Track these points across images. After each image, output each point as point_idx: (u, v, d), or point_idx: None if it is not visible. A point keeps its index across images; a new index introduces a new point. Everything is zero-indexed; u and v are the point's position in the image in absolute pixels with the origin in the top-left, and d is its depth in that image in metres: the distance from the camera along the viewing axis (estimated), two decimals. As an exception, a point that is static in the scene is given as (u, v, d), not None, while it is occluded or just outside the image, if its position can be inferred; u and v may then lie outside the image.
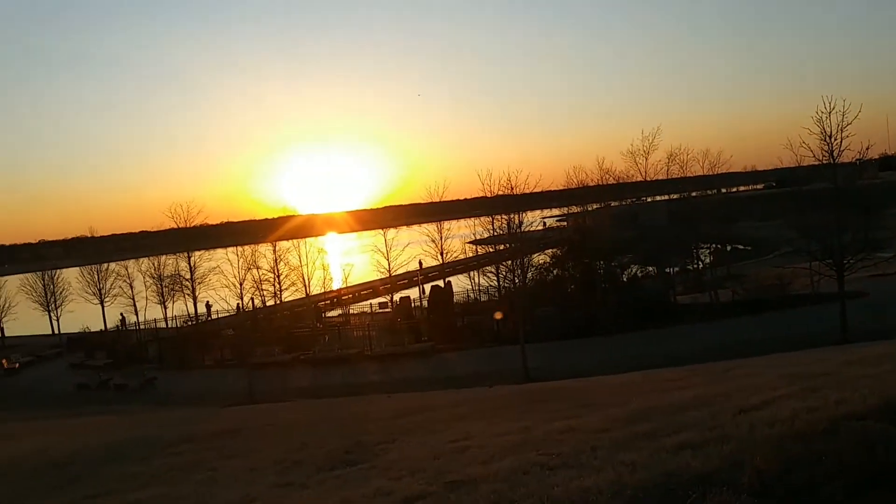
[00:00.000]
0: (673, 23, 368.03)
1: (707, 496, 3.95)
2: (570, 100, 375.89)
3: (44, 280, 62.69)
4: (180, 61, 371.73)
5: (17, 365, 46.60)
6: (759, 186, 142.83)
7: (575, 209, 60.16)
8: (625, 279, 41.49)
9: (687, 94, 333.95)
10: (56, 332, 60.21)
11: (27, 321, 62.08)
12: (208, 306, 51.70)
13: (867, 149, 28.32)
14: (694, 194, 55.64)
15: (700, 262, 50.84)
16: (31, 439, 16.92)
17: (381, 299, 54.59)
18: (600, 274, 39.32)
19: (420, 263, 56.72)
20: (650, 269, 45.53)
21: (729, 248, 66.28)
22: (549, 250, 46.39)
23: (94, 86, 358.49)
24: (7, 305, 60.50)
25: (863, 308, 28.06)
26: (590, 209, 57.75)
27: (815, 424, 4.91)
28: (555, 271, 40.47)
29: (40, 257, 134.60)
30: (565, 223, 72.14)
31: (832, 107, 25.84)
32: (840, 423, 4.86)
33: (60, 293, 62.75)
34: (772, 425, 5.12)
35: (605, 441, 6.12)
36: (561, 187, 62.20)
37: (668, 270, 45.00)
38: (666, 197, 61.91)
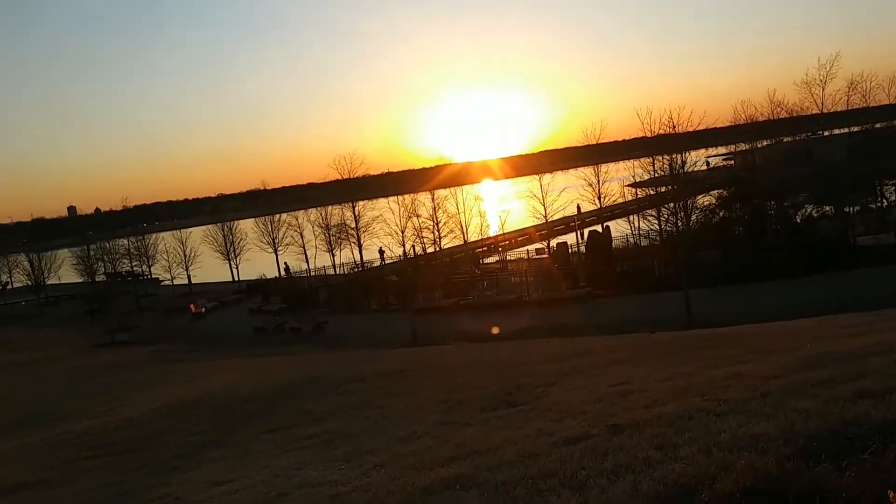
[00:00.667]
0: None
1: (889, 447, 3.71)
2: (736, 28, 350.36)
3: (223, 231, 67.65)
4: (334, 19, 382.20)
5: (204, 310, 51.07)
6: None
7: (743, 147, 56.63)
8: (798, 220, 38.82)
9: (871, 12, 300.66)
10: (236, 279, 65.09)
11: (210, 269, 67.45)
12: (381, 252, 53.63)
13: None
14: (878, 126, 50.68)
15: (884, 200, 46.48)
16: (219, 377, 18.62)
17: (538, 245, 54.45)
18: (771, 215, 37.02)
19: (578, 208, 55.89)
20: (827, 208, 42.15)
21: (919, 183, 60.07)
22: (715, 191, 44.12)
23: (259, 49, 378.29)
24: (192, 255, 66.00)
25: None
26: (759, 146, 54.20)
27: None
28: (721, 213, 38.57)
29: (219, 210, 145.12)
30: (732, 162, 68.16)
31: None
32: None
33: (238, 243, 67.51)
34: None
35: (776, 387, 5.85)
36: (727, 124, 58.54)
37: (847, 210, 41.49)
38: (846, 130, 56.76)
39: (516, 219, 66.42)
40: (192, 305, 52.25)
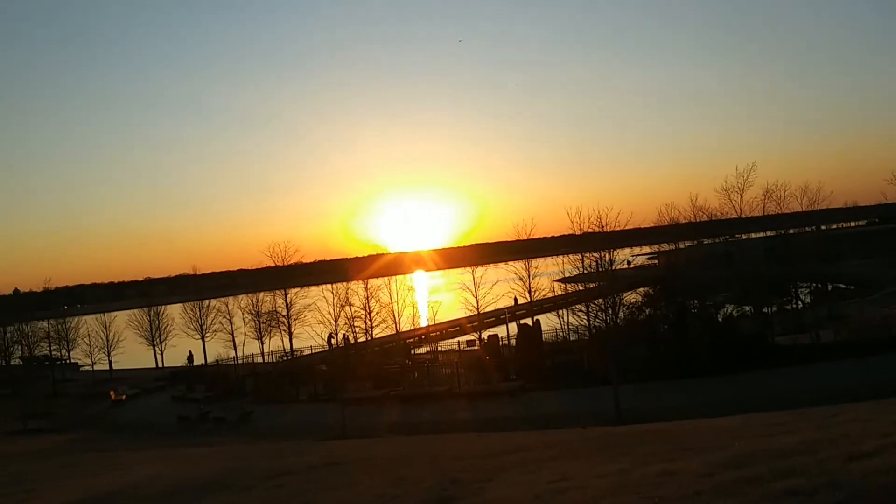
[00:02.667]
0: (770, 56, 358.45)
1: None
2: (662, 135, 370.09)
3: (150, 316, 65.96)
4: (278, 109, 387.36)
5: (124, 397, 49.05)
6: (861, 223, 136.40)
7: (666, 247, 59.15)
8: (720, 319, 40.30)
9: (784, 128, 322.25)
10: (160, 365, 63.03)
11: (134, 355, 65.30)
12: (330, 337, 51.55)
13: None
14: (792, 231, 53.77)
15: (799, 302, 48.86)
16: (139, 468, 17.76)
17: (469, 336, 54.78)
18: (694, 313, 38.35)
19: (515, 300, 56.74)
20: (747, 308, 44.03)
21: (830, 287, 63.43)
22: (641, 289, 45.63)
23: (197, 131, 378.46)
24: (115, 339, 63.87)
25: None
26: (682, 247, 56.63)
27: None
28: (647, 310, 39.72)
29: (147, 294, 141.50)
30: (656, 261, 70.88)
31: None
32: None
33: (165, 328, 65.85)
34: (886, 473, 5.00)
35: (708, 486, 6.06)
36: (652, 224, 61.25)
37: (765, 310, 43.42)
38: (762, 234, 59.90)
39: (448, 310, 66.91)
40: (112, 392, 50.06)
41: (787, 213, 48.57)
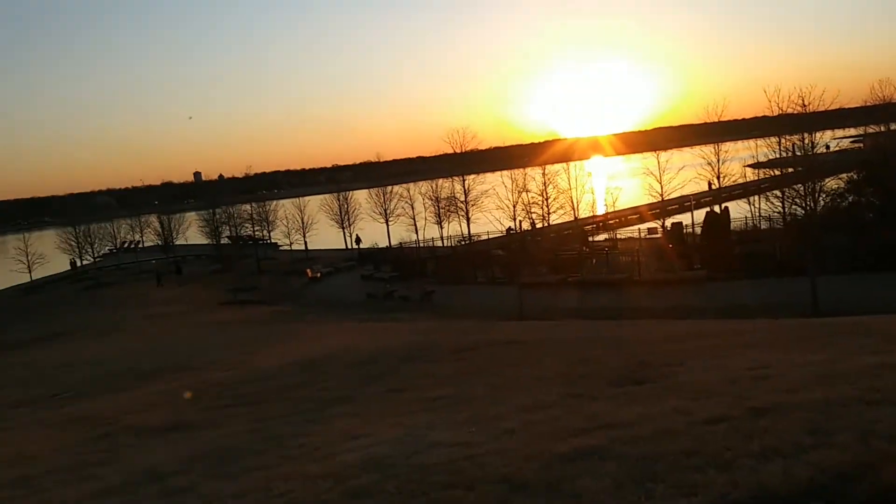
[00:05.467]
0: None
1: None
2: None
3: (339, 200, 69.77)
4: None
5: (320, 275, 53.01)
6: None
7: (874, 129, 53.26)
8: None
9: None
10: (349, 247, 67.05)
11: (325, 236, 69.79)
12: (510, 230, 52.08)
13: None
14: None
15: None
16: (337, 338, 19.32)
17: (650, 224, 53.22)
18: (905, 202, 34.66)
19: (710, 185, 54.05)
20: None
21: None
22: (844, 175, 41.69)
23: (380, 24, 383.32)
24: (310, 222, 68.46)
25: None
26: (893, 128, 50.68)
27: None
28: (849, 197, 36.45)
29: (335, 180, 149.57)
30: (861, 145, 64.21)
31: None
32: None
33: (352, 212, 69.52)
34: None
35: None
36: (859, 104, 55.05)
37: None
38: None
39: (628, 197, 65.08)
40: (308, 270, 54.32)
41: None
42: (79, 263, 77.36)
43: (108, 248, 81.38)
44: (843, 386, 5.78)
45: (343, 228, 69.18)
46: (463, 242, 55.36)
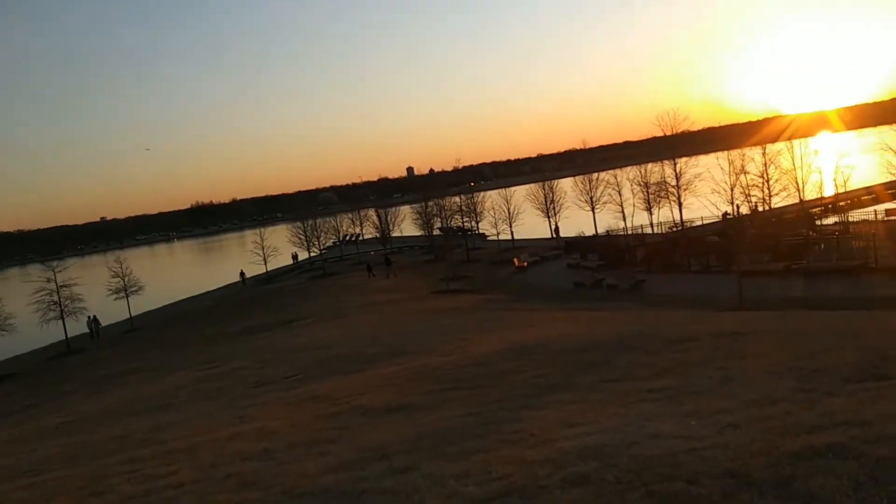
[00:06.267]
0: None
1: None
2: None
3: (544, 189, 70.01)
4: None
5: (526, 264, 53.60)
6: None
7: None
8: None
9: None
10: (555, 235, 67.10)
11: (532, 226, 70.36)
12: (725, 215, 50.06)
13: None
14: None
15: None
16: (548, 325, 19.47)
17: (889, 205, 47.95)
18: None
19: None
20: None
21: None
22: None
23: (575, 9, 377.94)
24: (515, 212, 69.38)
25: None
26: None
27: None
28: None
29: (539, 169, 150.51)
30: None
31: None
32: None
33: (558, 201, 69.45)
34: None
35: None
36: None
37: None
38: None
39: (861, 176, 59.09)
40: (515, 259, 55.17)
41: None
42: (299, 257, 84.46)
43: (332, 240, 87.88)
44: None
45: (548, 217, 69.30)
46: (675, 229, 53.29)
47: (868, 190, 58.49)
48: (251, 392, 15.09)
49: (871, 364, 8.05)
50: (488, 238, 74.32)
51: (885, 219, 43.52)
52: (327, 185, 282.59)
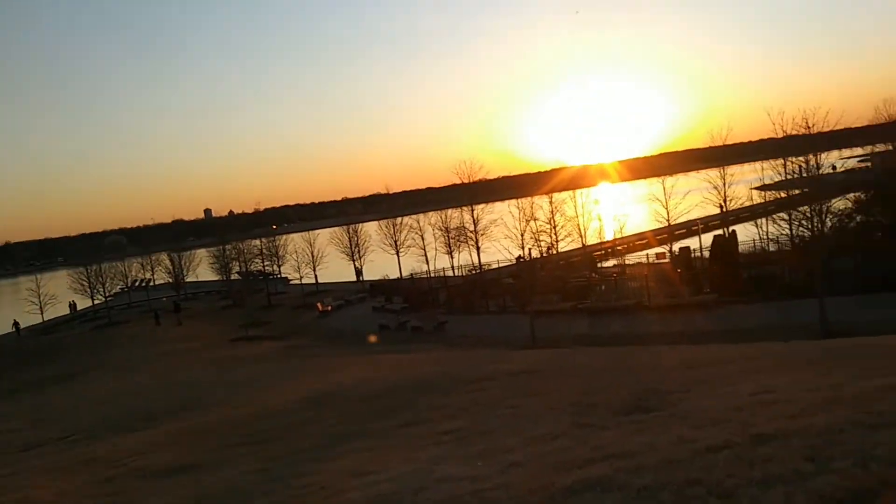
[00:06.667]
0: None
1: None
2: (881, 20, 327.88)
3: (349, 233, 70.12)
4: (452, 23, 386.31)
5: (330, 308, 53.17)
6: None
7: (881, 148, 53.24)
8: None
9: None
10: (359, 279, 67.26)
11: (336, 269, 70.02)
12: (519, 258, 52.70)
13: None
14: None
15: None
16: (349, 371, 19.31)
17: (658, 249, 53.14)
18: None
19: (722, 207, 53.74)
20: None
21: None
22: (851, 195, 41.66)
23: (380, 58, 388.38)
24: (319, 255, 68.80)
25: None
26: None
27: None
28: (857, 218, 36.39)
29: (344, 213, 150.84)
30: (869, 164, 64.14)
31: None
32: None
33: (362, 244, 69.79)
34: None
35: (937, 403, 5.57)
36: (865, 123, 54.97)
37: None
38: None
39: (634, 223, 65.19)
40: (319, 304, 54.47)
41: None
42: (78, 305, 77.99)
43: (119, 286, 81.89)
44: (846, 410, 5.81)
45: (353, 260, 69.44)
46: (473, 272, 55.47)
47: (640, 235, 64.60)
48: (16, 458, 13.50)
49: (638, 397, 8.78)
50: (291, 282, 72.96)
51: (656, 262, 48.22)
52: (115, 228, 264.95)
